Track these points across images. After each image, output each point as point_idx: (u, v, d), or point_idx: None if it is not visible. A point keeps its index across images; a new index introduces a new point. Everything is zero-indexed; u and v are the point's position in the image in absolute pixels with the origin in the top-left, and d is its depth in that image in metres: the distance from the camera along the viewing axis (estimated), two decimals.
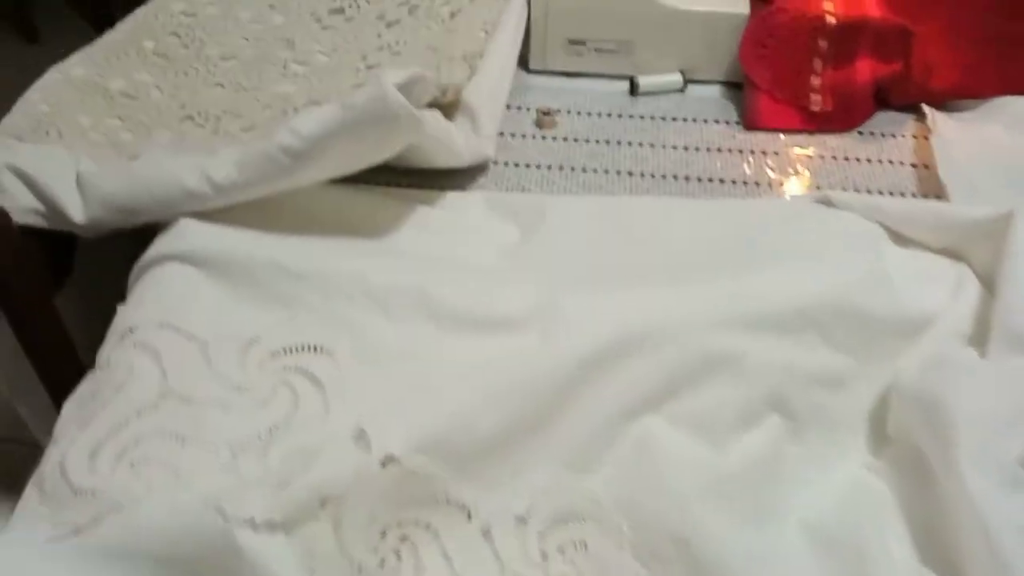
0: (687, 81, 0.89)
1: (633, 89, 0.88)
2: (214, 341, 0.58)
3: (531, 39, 0.88)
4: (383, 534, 0.48)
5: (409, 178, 0.74)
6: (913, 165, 0.80)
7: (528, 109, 0.85)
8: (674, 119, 0.85)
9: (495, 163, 0.78)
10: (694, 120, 0.85)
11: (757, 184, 0.78)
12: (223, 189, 0.63)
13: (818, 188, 0.77)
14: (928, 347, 0.59)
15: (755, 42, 0.85)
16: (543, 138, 0.82)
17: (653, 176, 0.78)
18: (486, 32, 0.81)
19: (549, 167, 0.79)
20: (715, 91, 0.89)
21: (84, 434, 0.52)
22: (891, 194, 0.77)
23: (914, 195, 0.77)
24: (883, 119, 0.85)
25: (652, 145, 0.82)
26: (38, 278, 0.69)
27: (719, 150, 0.81)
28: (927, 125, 0.80)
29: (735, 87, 0.89)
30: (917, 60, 0.82)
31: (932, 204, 0.72)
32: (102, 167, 0.68)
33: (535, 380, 0.54)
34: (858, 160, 0.81)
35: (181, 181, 0.63)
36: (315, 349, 0.58)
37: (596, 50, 0.89)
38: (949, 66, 0.84)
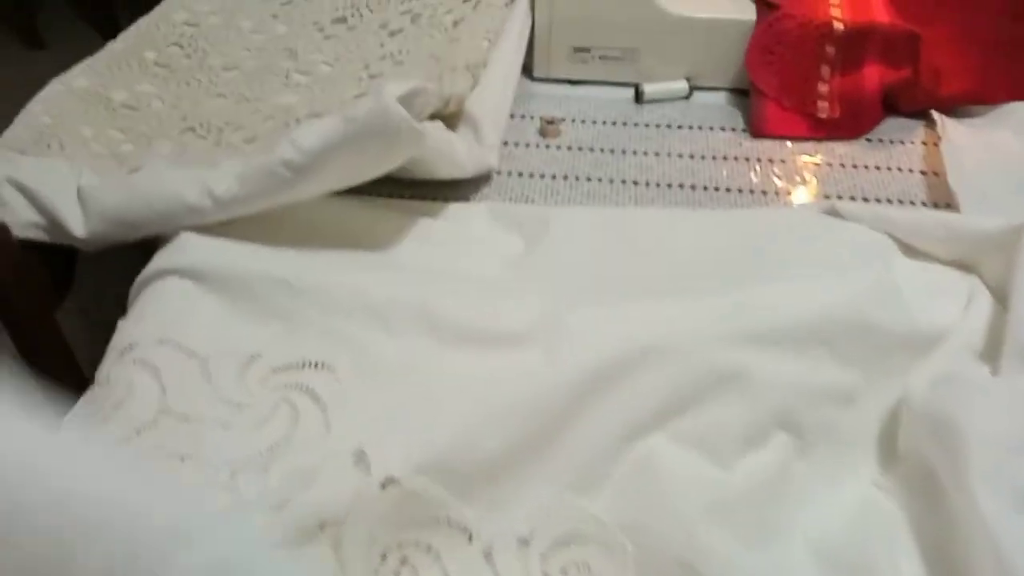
0: (693, 88, 0.88)
1: (638, 96, 0.88)
2: (214, 357, 0.58)
3: (535, 47, 0.88)
4: (383, 556, 0.48)
5: (411, 189, 0.73)
6: (923, 172, 0.79)
7: (532, 117, 0.85)
8: (679, 127, 0.84)
9: (498, 173, 0.77)
10: (700, 128, 0.84)
11: (764, 192, 0.77)
12: (224, 203, 0.63)
13: (826, 196, 0.76)
14: (939, 362, 0.58)
15: (761, 48, 0.84)
16: (547, 147, 0.81)
17: (658, 185, 0.77)
18: (489, 41, 0.81)
19: (553, 176, 0.78)
20: (721, 98, 0.88)
21: None
22: (900, 202, 0.76)
23: (923, 203, 0.75)
24: (892, 126, 0.84)
25: (657, 154, 0.81)
26: (39, 292, 0.69)
27: (725, 158, 0.81)
28: (936, 131, 0.79)
29: (741, 94, 0.88)
30: (926, 66, 0.81)
31: (942, 215, 0.71)
32: (103, 180, 0.67)
33: (538, 398, 0.53)
34: (867, 167, 0.80)
35: (182, 195, 0.63)
36: (316, 365, 0.57)
37: (601, 57, 0.88)
38: (959, 71, 0.82)
